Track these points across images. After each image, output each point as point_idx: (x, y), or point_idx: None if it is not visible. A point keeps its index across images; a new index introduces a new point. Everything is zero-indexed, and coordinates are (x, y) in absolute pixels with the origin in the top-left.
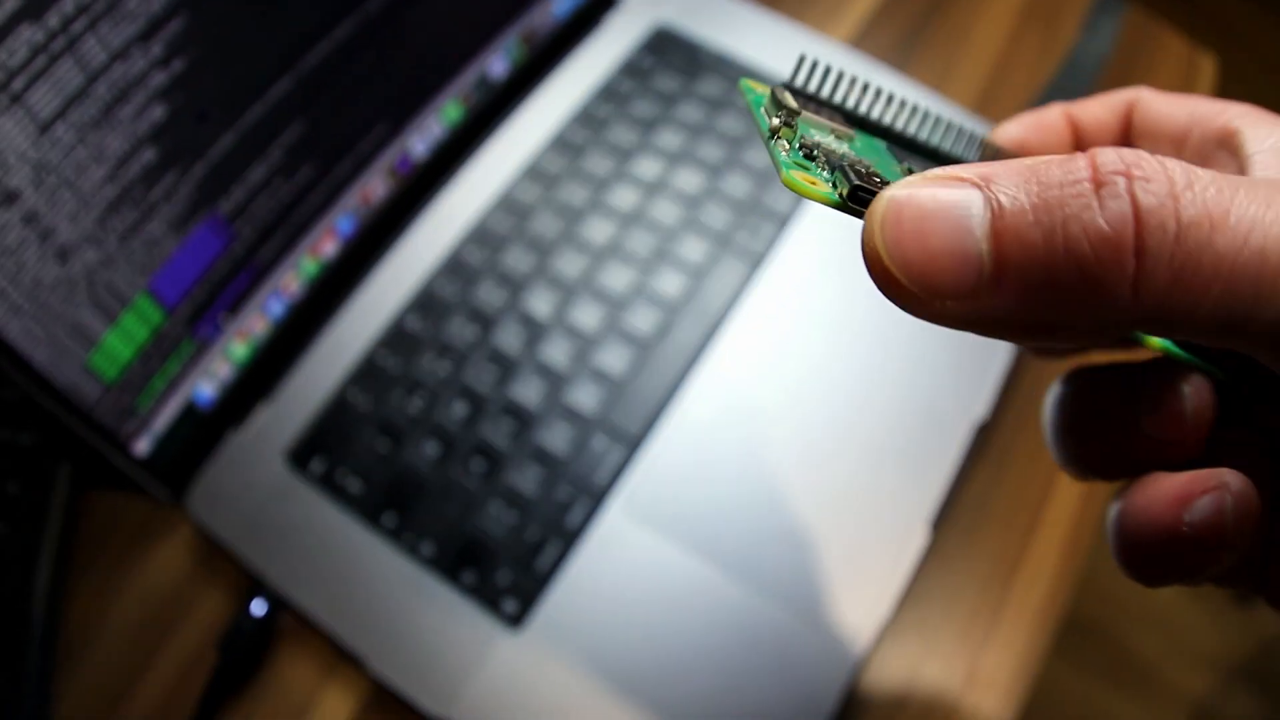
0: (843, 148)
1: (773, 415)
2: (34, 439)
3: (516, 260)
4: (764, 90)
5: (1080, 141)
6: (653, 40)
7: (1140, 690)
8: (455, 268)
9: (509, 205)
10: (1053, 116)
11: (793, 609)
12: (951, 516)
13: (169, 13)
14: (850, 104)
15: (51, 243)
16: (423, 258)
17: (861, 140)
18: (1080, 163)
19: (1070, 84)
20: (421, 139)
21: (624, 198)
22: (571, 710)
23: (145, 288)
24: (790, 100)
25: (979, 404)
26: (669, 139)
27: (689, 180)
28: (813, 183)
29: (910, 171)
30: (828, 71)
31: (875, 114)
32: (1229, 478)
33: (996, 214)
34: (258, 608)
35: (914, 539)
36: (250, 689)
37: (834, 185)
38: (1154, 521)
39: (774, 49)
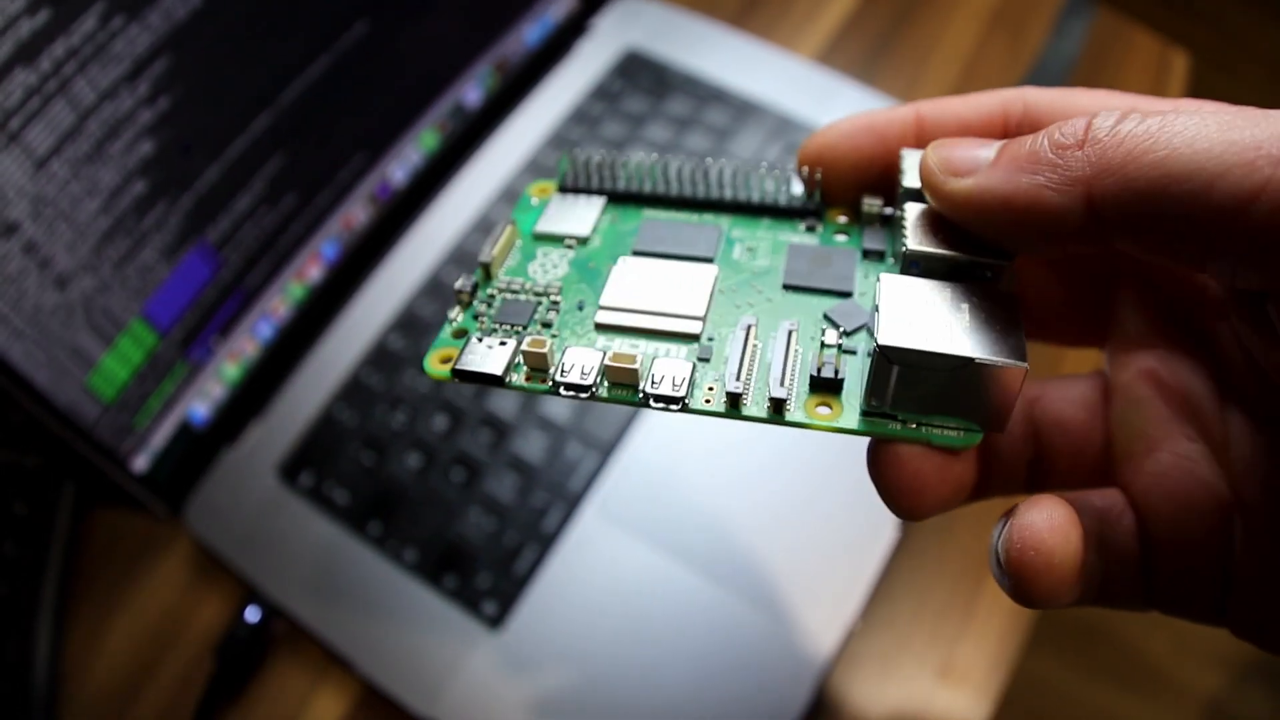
0: (545, 277)
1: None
2: (39, 461)
3: None
4: (544, 195)
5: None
6: (623, 63)
7: (1151, 691)
8: (435, 288)
9: (486, 228)
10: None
11: (764, 607)
12: None
13: (154, 54)
14: (620, 187)
15: (50, 271)
16: (404, 280)
17: (606, 234)
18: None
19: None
20: (400, 166)
21: None
22: (550, 706)
23: (139, 313)
24: (488, 254)
25: None
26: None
27: None
28: (444, 364)
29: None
30: (588, 163)
31: (647, 188)
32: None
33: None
34: (252, 615)
35: (883, 535)
36: (246, 693)
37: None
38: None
39: (742, 67)
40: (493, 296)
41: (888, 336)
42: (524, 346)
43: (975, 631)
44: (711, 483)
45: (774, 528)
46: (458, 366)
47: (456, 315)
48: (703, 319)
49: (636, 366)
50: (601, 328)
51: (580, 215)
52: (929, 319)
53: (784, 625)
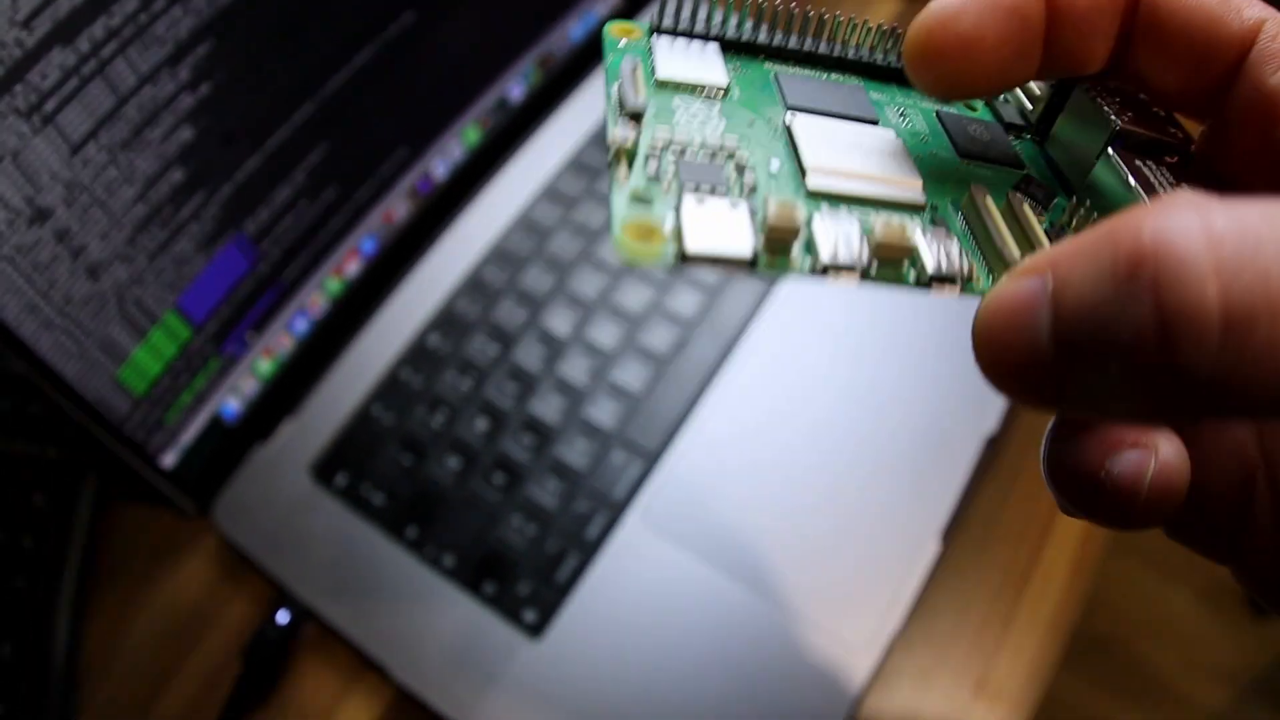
0: (703, 133)
1: (787, 429)
2: (59, 452)
3: (536, 279)
4: (633, 37)
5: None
6: None
7: (1156, 704)
8: (476, 286)
9: (528, 225)
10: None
11: (806, 619)
12: (962, 528)
13: (196, 38)
14: (730, 33)
15: (83, 260)
16: (444, 277)
17: (742, 84)
18: (1110, 251)
19: None
20: (442, 161)
21: None
22: (588, 717)
23: (173, 305)
24: (639, 100)
25: (989, 418)
26: None
27: None
28: (647, 241)
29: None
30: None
31: (762, 38)
32: (1162, 443)
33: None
34: (282, 617)
35: (925, 551)
36: (273, 698)
37: (670, 239)
38: (1079, 456)
39: None
40: (650, 156)
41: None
42: (771, 213)
43: (1012, 646)
44: (754, 493)
45: (816, 539)
46: (691, 247)
47: (625, 175)
48: (922, 184)
49: (911, 242)
50: (816, 195)
51: (701, 60)
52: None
53: (825, 638)
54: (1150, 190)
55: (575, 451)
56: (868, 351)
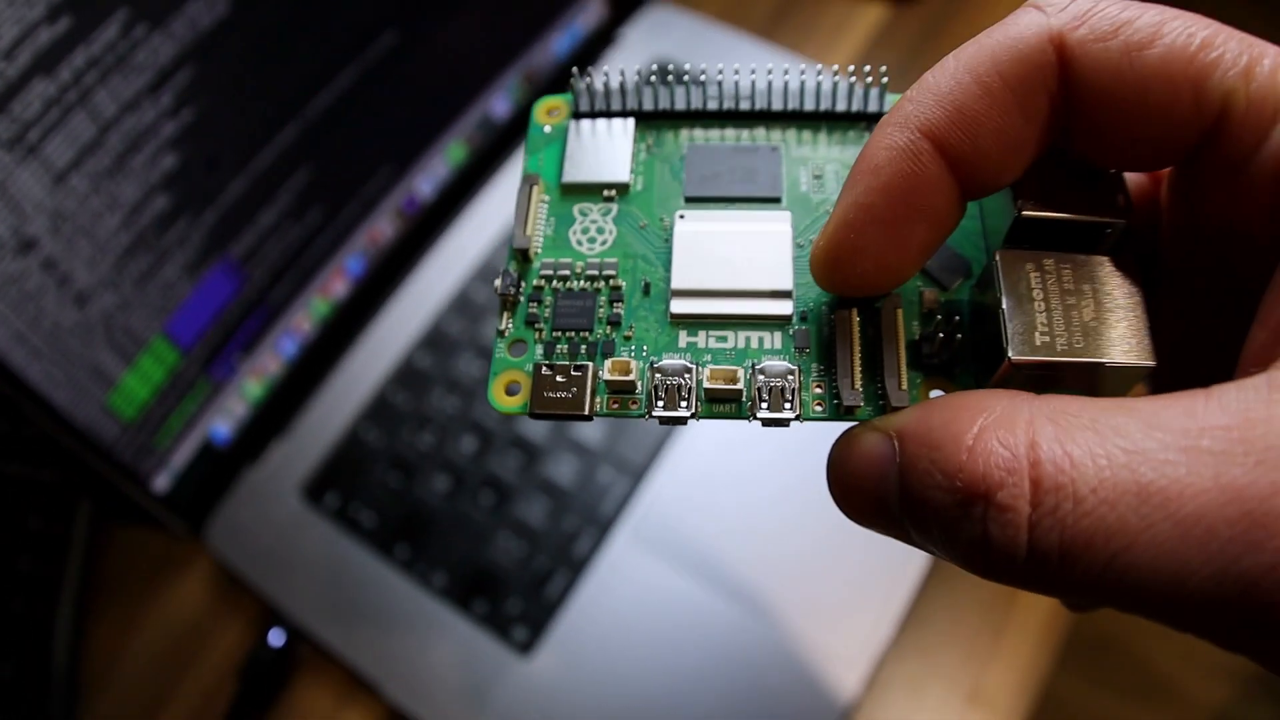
0: (592, 249)
1: (775, 442)
2: (55, 475)
3: None
4: (557, 119)
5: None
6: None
7: (1157, 702)
8: (464, 305)
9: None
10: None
11: (796, 632)
12: None
13: (176, 65)
14: (646, 105)
15: (69, 288)
16: (431, 296)
17: (647, 170)
18: (952, 466)
19: None
20: (427, 180)
21: None
22: None
23: (161, 330)
24: (524, 239)
25: None
26: None
27: None
28: (510, 397)
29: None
30: (606, 82)
31: (679, 104)
32: None
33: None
34: (276, 638)
35: (916, 561)
36: (268, 718)
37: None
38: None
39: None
40: (540, 288)
41: (1018, 349)
42: (605, 374)
43: (1005, 654)
44: (743, 506)
45: (806, 552)
46: (535, 409)
47: (507, 325)
48: (791, 294)
49: (739, 386)
50: (680, 320)
51: (610, 150)
52: (1053, 316)
53: (816, 650)
54: (1017, 311)
55: (562, 469)
56: None
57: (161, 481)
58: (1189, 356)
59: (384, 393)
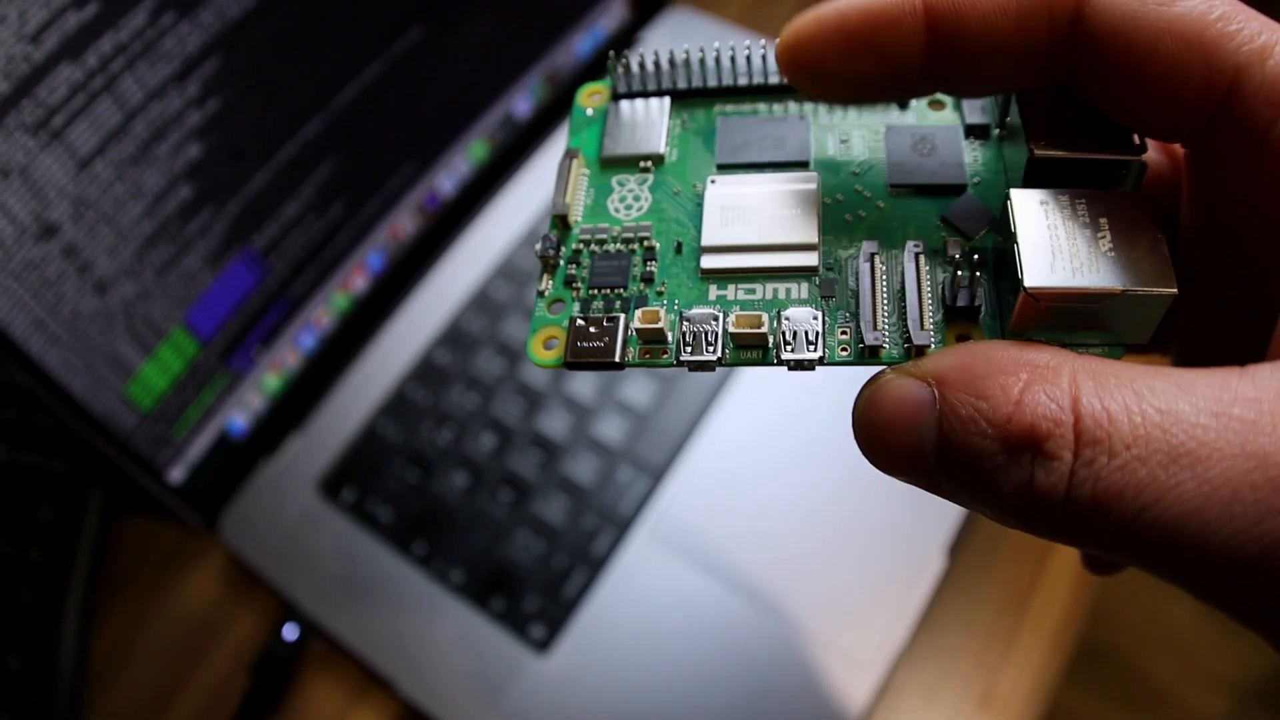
0: (628, 216)
1: (794, 444)
2: (66, 465)
3: None
4: (598, 103)
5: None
6: None
7: (1157, 713)
8: (483, 303)
9: (536, 241)
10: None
11: (812, 635)
12: (967, 544)
13: (204, 54)
14: (680, 84)
15: (90, 275)
16: (451, 293)
17: (682, 143)
18: (1005, 411)
19: None
20: (449, 176)
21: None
22: None
23: (181, 321)
24: (563, 204)
25: None
26: None
27: None
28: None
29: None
30: (643, 64)
31: (711, 82)
32: None
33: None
34: (289, 632)
35: (930, 566)
36: (280, 712)
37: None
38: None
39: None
40: (579, 251)
41: (1034, 278)
42: (636, 324)
43: (1017, 660)
44: (761, 508)
45: (822, 555)
46: (569, 358)
47: (546, 284)
48: (817, 246)
49: (764, 329)
50: (709, 275)
51: (648, 126)
52: (1071, 248)
53: (831, 653)
54: (1032, 244)
55: (582, 468)
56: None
57: (177, 473)
58: (1211, 341)
59: (403, 389)
